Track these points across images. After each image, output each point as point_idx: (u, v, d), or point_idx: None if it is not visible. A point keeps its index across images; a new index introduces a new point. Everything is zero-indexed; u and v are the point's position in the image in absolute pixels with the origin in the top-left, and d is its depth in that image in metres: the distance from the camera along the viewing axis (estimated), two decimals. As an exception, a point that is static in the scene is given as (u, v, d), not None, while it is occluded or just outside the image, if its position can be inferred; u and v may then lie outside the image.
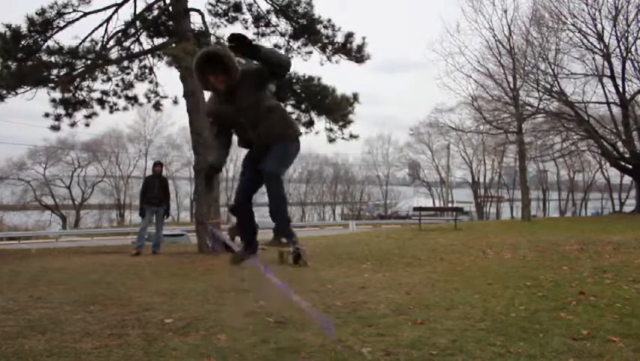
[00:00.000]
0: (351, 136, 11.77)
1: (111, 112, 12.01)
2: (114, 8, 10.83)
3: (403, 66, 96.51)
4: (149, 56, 11.68)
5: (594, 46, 23.43)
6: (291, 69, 3.13)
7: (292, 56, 10.77)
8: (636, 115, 23.70)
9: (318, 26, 10.96)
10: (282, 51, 11.40)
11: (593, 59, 24.01)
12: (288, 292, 3.23)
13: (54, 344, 3.40)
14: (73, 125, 11.64)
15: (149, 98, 12.37)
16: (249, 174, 3.42)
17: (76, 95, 11.31)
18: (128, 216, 43.86)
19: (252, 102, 3.14)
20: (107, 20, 10.81)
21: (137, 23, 11.27)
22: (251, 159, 3.44)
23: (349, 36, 11.05)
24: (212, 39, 10.91)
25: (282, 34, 11.34)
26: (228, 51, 3.00)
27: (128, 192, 45.10)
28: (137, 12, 11.11)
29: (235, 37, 2.81)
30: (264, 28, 11.33)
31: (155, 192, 9.90)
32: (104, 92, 11.74)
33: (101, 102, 11.79)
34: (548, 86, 23.69)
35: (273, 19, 11.27)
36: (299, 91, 11.09)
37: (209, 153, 3.55)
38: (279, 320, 4.13)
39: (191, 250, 10.70)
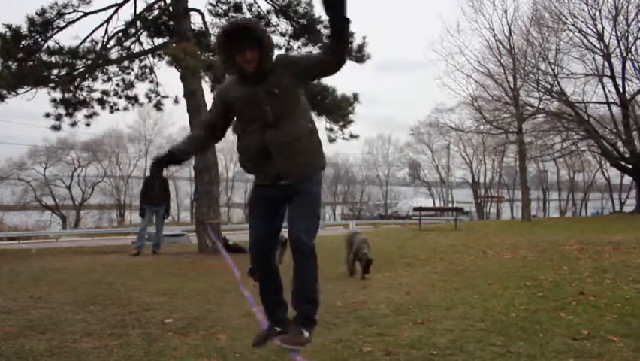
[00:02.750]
0: (352, 136, 11.79)
1: (112, 112, 12.02)
2: (114, 8, 10.83)
3: (403, 66, 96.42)
4: (150, 55, 11.69)
5: (594, 46, 23.45)
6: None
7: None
8: (636, 115, 23.70)
9: (319, 26, 10.96)
10: (282, 51, 11.42)
11: (593, 59, 24.05)
12: None
13: (54, 344, 3.40)
14: (73, 125, 11.65)
15: (149, 98, 12.38)
16: (263, 223, 2.67)
17: (77, 95, 11.30)
18: (128, 216, 43.89)
19: (285, 88, 2.52)
20: (108, 20, 10.81)
21: (138, 23, 11.27)
22: (263, 200, 2.68)
23: (349, 36, 11.04)
24: (213, 39, 10.90)
25: (283, 34, 11.34)
26: (260, 24, 2.55)
27: (128, 192, 45.14)
28: (138, 12, 11.12)
29: None
30: (264, 28, 11.34)
31: (155, 192, 9.91)
32: (105, 92, 11.75)
33: (102, 102, 11.78)
34: (548, 86, 23.71)
35: (274, 19, 11.27)
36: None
37: (181, 140, 2.79)
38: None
39: (191, 250, 10.70)
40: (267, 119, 2.53)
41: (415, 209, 19.81)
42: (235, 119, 2.72)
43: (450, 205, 41.49)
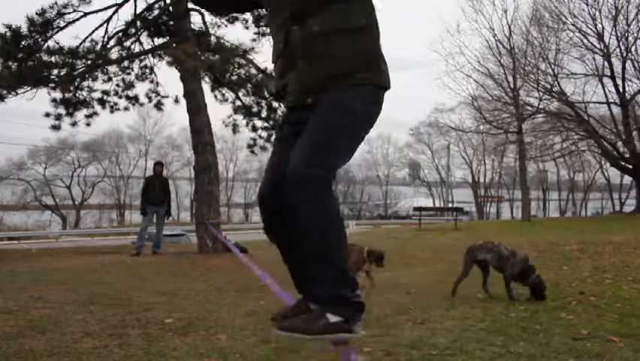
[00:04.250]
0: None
1: (112, 112, 12.01)
2: (114, 8, 10.82)
3: (403, 66, 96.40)
4: (150, 55, 11.68)
5: (594, 46, 23.47)
6: None
7: None
8: (636, 115, 23.72)
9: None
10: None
11: (593, 58, 24.07)
12: None
13: (54, 344, 3.40)
14: (73, 125, 11.64)
15: (149, 98, 12.36)
16: (284, 154, 1.74)
17: (77, 95, 11.30)
18: (128, 216, 43.90)
19: None
20: (108, 20, 10.81)
21: (138, 23, 11.25)
22: (291, 123, 1.84)
23: None
24: (213, 39, 10.90)
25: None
26: None
27: (128, 192, 45.12)
28: (138, 12, 11.10)
29: None
30: (264, 28, 11.32)
31: (155, 192, 9.93)
32: (105, 92, 11.73)
33: (102, 102, 11.78)
34: (548, 86, 23.72)
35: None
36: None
37: None
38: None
39: (191, 250, 10.70)
40: (288, 6, 1.71)
41: (415, 209, 19.85)
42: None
43: (450, 205, 41.49)
